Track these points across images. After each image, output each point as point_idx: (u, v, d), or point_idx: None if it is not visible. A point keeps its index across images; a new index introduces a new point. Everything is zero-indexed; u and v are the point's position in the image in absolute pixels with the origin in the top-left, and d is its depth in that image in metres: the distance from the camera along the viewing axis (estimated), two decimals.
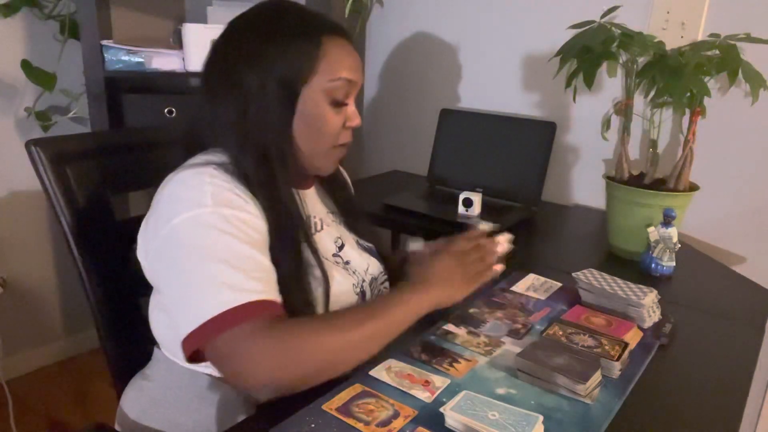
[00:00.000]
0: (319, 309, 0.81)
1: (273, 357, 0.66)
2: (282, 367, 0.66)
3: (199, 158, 0.80)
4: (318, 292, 0.81)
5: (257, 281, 0.70)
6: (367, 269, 0.94)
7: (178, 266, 0.71)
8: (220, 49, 0.83)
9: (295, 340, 0.67)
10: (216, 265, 0.69)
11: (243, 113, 0.79)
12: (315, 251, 0.83)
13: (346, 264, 0.91)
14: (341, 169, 1.05)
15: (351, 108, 0.86)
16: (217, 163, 0.78)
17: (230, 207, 0.73)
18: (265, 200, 0.78)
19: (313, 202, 0.94)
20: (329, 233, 0.92)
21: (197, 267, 0.70)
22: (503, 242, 0.92)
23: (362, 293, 0.91)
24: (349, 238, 0.96)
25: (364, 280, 0.92)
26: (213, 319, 0.67)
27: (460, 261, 0.85)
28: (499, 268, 0.89)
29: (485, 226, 0.95)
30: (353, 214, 1.00)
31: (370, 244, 1.00)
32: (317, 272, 0.82)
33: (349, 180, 1.08)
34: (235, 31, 0.83)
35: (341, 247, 0.93)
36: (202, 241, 0.70)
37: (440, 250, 0.87)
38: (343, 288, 0.86)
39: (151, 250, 0.76)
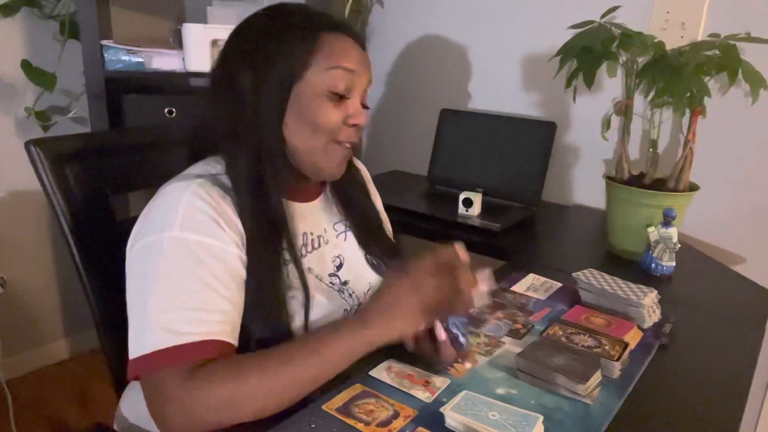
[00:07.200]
0: (298, 331, 0.78)
1: (185, 410, 0.65)
2: (195, 418, 0.65)
3: (197, 167, 0.80)
4: (299, 314, 0.79)
5: (196, 322, 0.68)
6: (368, 291, 0.91)
7: (132, 288, 0.72)
8: (222, 53, 0.83)
9: (211, 394, 0.65)
10: (159, 300, 0.69)
11: (238, 115, 0.78)
12: (301, 271, 0.79)
13: (343, 284, 0.88)
14: (361, 172, 1.01)
15: (354, 103, 0.81)
16: (209, 175, 0.77)
17: (197, 232, 0.71)
18: (251, 211, 0.76)
19: (312, 217, 0.89)
20: (328, 251, 0.89)
21: (143, 296, 0.70)
22: (486, 278, 0.75)
23: None
24: (356, 254, 0.93)
25: (360, 305, 0.89)
26: (142, 357, 0.67)
27: (419, 284, 0.71)
28: (476, 301, 0.73)
29: (462, 251, 0.74)
30: (365, 226, 0.96)
31: (378, 261, 0.96)
32: (299, 294, 0.79)
33: (367, 182, 1.03)
34: (236, 35, 0.83)
35: (339, 267, 0.89)
36: (155, 270, 0.70)
37: (403, 271, 0.73)
38: (330, 313, 0.83)
39: (126, 258, 0.75)
